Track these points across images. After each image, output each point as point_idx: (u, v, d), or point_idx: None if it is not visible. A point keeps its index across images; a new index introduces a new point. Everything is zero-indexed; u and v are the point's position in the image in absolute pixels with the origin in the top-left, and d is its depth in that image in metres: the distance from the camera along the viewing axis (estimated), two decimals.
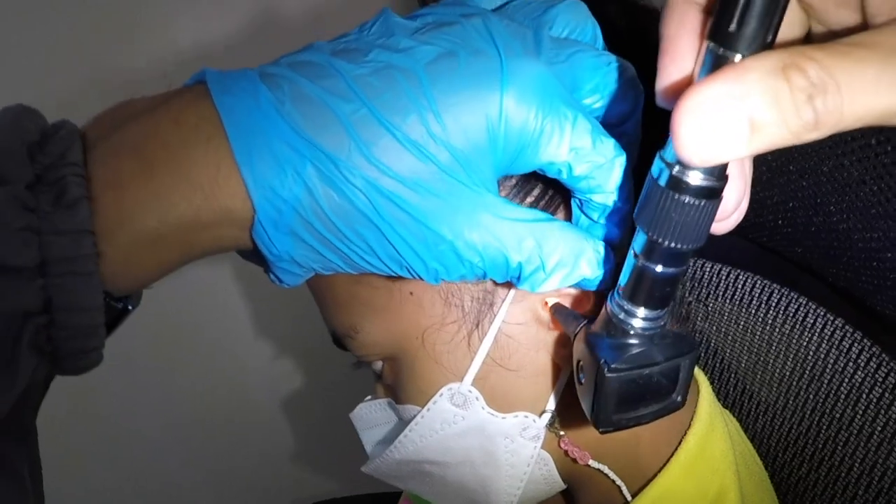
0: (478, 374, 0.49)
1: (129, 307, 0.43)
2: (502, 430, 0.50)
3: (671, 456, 0.53)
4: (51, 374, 0.39)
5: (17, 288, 0.34)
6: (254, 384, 1.57)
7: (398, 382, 0.52)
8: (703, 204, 0.32)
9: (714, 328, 0.72)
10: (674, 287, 0.38)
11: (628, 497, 0.53)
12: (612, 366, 0.38)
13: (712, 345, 0.73)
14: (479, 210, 0.39)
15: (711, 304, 0.71)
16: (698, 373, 0.59)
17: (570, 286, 0.43)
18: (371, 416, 0.59)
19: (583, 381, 0.41)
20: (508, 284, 0.47)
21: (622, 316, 0.39)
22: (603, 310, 0.41)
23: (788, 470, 0.67)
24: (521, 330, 0.49)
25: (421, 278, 0.41)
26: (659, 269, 0.37)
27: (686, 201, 0.32)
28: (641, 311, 0.39)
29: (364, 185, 0.37)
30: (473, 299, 0.48)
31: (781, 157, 0.59)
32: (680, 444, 0.53)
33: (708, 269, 0.71)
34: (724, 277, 0.70)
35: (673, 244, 0.34)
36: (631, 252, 0.38)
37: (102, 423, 1.43)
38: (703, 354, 0.73)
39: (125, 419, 1.45)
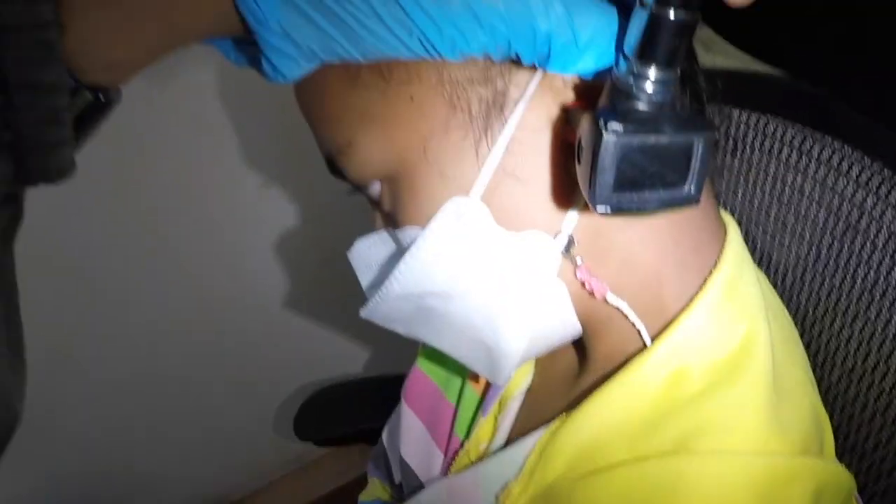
0: (487, 188, 0.44)
1: (103, 99, 0.39)
2: (513, 251, 0.45)
3: (695, 296, 0.47)
4: (16, 183, 0.35)
5: None
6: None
7: (398, 203, 0.47)
8: None
9: (742, 179, 0.66)
10: (687, 40, 0.34)
11: (648, 341, 0.47)
12: (612, 126, 0.34)
13: (740, 196, 0.68)
14: None
15: (740, 155, 0.66)
16: (726, 215, 0.54)
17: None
18: (370, 252, 0.53)
19: (582, 158, 0.37)
20: (528, 73, 0.42)
21: (630, 80, 0.35)
22: (608, 80, 0.37)
23: (819, 327, 0.63)
24: (536, 138, 0.43)
25: (436, 52, 0.36)
26: (672, 14, 0.33)
27: None
28: (651, 72, 0.35)
29: None
30: (482, 101, 0.42)
31: None
32: (704, 284, 0.48)
33: (735, 116, 0.66)
34: (752, 125, 0.64)
35: None
36: (637, 5, 0.34)
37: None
38: (729, 207, 0.67)
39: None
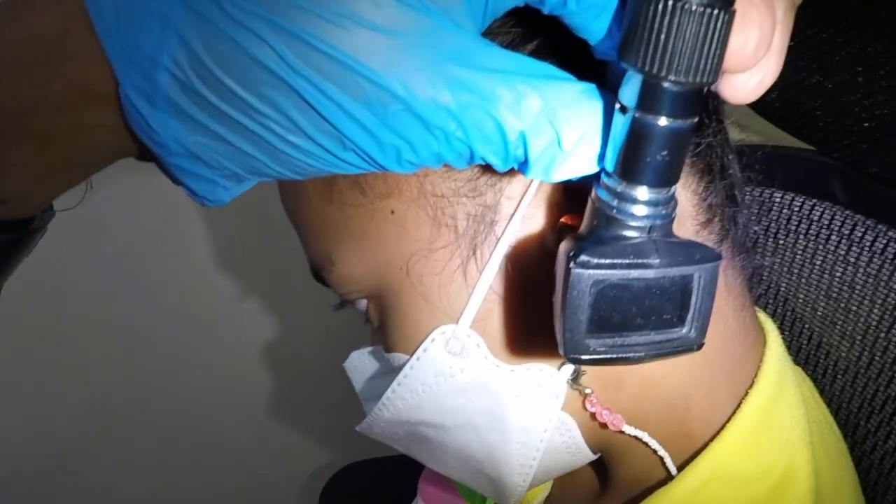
0: (478, 315, 0.38)
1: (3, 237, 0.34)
2: (511, 385, 0.39)
3: (727, 422, 0.41)
4: None
5: None
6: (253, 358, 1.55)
7: (384, 323, 0.42)
8: (711, 12, 0.23)
9: (785, 269, 0.58)
10: (682, 153, 0.27)
11: (673, 471, 0.42)
12: (581, 259, 0.27)
13: (782, 289, 0.60)
14: (444, 52, 0.26)
15: (782, 240, 0.58)
16: (765, 320, 0.47)
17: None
18: (364, 366, 0.49)
19: (555, 296, 0.30)
20: (522, 184, 0.36)
21: (615, 203, 0.28)
22: (588, 202, 0.30)
23: (872, 442, 0.55)
24: (531, 256, 0.37)
25: (378, 166, 0.29)
26: (662, 121, 0.26)
27: (688, 7, 0.23)
28: (642, 191, 0.28)
29: (258, 24, 0.25)
30: (469, 217, 0.37)
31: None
32: (738, 407, 0.42)
33: (778, 199, 0.58)
34: (797, 209, 0.57)
35: (677, 77, 0.24)
36: (618, 108, 0.27)
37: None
38: (771, 301, 0.59)
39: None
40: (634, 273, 0.28)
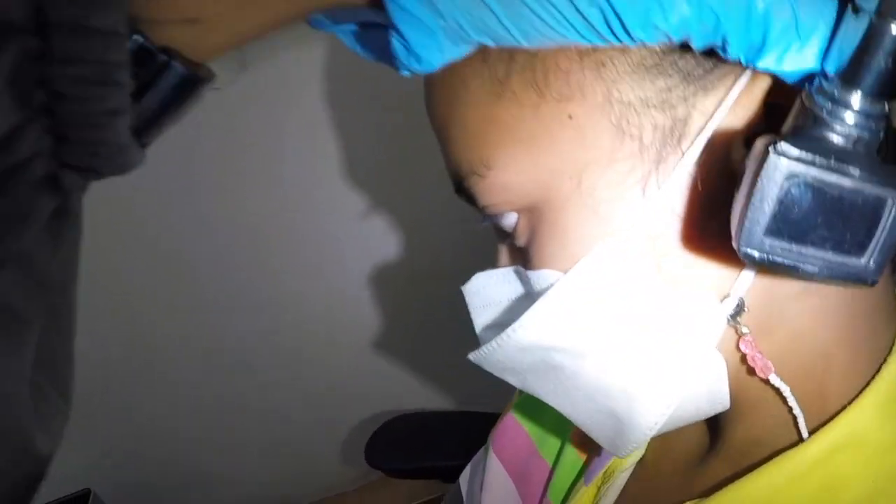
0: (648, 234, 0.36)
1: (175, 64, 0.31)
2: (670, 311, 0.37)
3: (865, 387, 0.39)
4: (56, 162, 0.28)
5: None
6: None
7: (536, 240, 0.39)
8: None
9: None
10: None
11: (804, 433, 0.39)
12: (782, 146, 0.27)
13: None
14: None
15: None
16: None
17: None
18: (490, 290, 0.46)
19: (740, 186, 0.30)
20: (715, 98, 0.34)
21: (827, 106, 0.28)
22: (797, 103, 0.30)
23: None
24: (717, 176, 0.35)
25: (622, 29, 0.29)
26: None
27: None
28: (856, 98, 0.27)
29: None
30: (657, 129, 0.35)
31: None
32: (878, 372, 0.39)
33: None
34: None
35: None
36: (850, 9, 0.27)
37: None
38: None
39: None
40: (831, 178, 0.27)
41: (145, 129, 0.32)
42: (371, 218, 1.44)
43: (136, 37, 0.29)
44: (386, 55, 0.34)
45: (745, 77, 0.33)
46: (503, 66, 0.35)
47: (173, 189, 1.24)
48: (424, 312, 1.46)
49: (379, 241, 1.49)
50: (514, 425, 0.65)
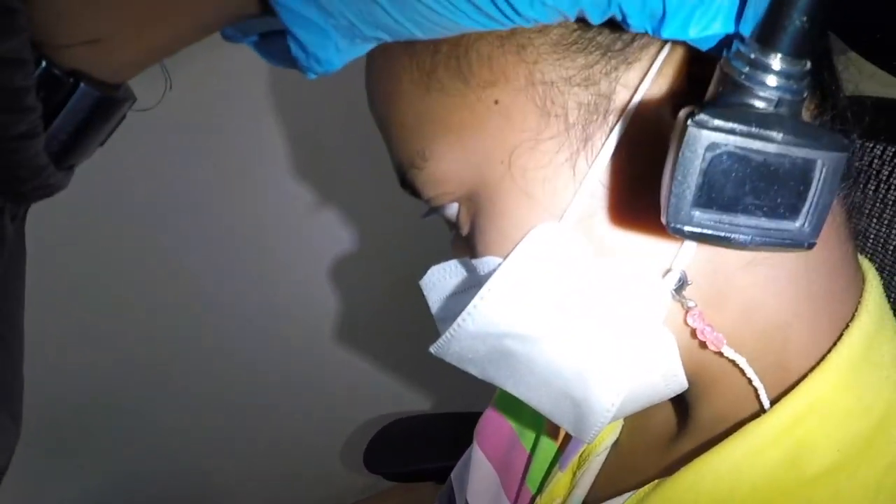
0: (583, 212, 0.36)
1: (83, 86, 0.31)
2: (612, 290, 0.37)
3: (826, 355, 0.39)
4: None
5: None
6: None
7: (476, 227, 0.39)
8: None
9: (875, 221, 0.56)
10: (821, 24, 0.26)
11: (766, 404, 0.39)
12: (700, 117, 0.26)
13: (870, 240, 0.58)
14: None
15: (871, 191, 0.55)
16: (865, 261, 0.44)
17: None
18: (445, 282, 0.46)
19: (666, 164, 0.29)
20: (639, 71, 0.34)
21: (746, 70, 0.27)
22: (716, 71, 0.29)
23: None
24: (643, 153, 0.35)
25: (512, 9, 0.29)
26: None
27: None
28: (776, 60, 0.27)
29: None
30: (581, 107, 0.35)
31: None
32: (839, 340, 0.39)
33: (869, 149, 0.55)
34: (888, 160, 0.54)
35: None
36: None
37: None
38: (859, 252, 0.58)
39: None
40: (755, 144, 0.27)
41: (67, 151, 0.33)
42: (372, 222, 1.45)
43: (43, 63, 0.30)
44: (292, 61, 0.34)
45: (667, 48, 0.33)
46: (429, 59, 0.35)
47: (174, 195, 1.26)
48: (423, 315, 1.45)
49: (376, 245, 1.49)
50: (495, 417, 0.65)
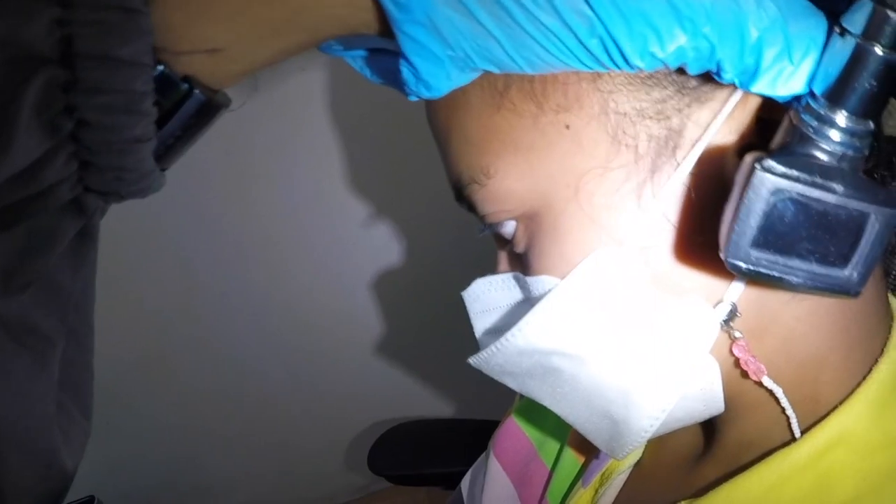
0: (643, 242, 0.37)
1: (196, 92, 0.32)
2: (665, 317, 0.38)
3: (856, 388, 0.40)
4: (81, 186, 0.29)
5: (17, 9, 0.25)
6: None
7: (534, 246, 0.40)
8: None
9: None
10: (889, 88, 0.28)
11: (797, 433, 0.40)
12: (768, 163, 0.28)
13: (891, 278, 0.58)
14: None
15: None
16: (894, 300, 0.46)
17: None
18: (490, 295, 0.46)
19: (728, 200, 0.31)
20: (710, 111, 0.35)
21: (814, 124, 0.29)
22: (784, 121, 0.31)
23: None
24: (711, 186, 0.36)
25: (621, 57, 0.30)
26: (879, 50, 0.27)
27: None
28: (841, 118, 0.29)
29: None
30: (651, 139, 0.36)
31: None
32: (869, 373, 0.40)
33: None
34: None
35: None
36: (836, 33, 0.28)
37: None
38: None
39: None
40: (816, 193, 0.29)
41: (169, 154, 0.34)
42: (375, 225, 1.46)
43: (159, 67, 0.30)
44: (394, 80, 0.35)
45: (740, 91, 0.35)
46: (502, 79, 0.36)
47: (184, 196, 1.27)
48: (428, 319, 1.47)
49: (382, 248, 1.50)
50: (514, 429, 0.66)
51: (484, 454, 0.69)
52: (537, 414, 0.64)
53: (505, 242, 0.44)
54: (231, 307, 1.44)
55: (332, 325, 1.53)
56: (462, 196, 0.41)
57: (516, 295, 0.45)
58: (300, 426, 1.64)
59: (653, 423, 0.40)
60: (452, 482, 0.74)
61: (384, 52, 0.37)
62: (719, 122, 0.35)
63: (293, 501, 1.73)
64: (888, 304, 0.44)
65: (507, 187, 0.38)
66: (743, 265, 0.30)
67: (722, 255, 0.30)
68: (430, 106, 0.41)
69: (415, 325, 1.56)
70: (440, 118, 0.40)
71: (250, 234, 1.37)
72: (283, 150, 1.31)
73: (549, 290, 0.39)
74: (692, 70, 0.32)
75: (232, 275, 1.40)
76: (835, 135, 0.29)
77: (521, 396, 0.58)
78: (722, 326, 0.38)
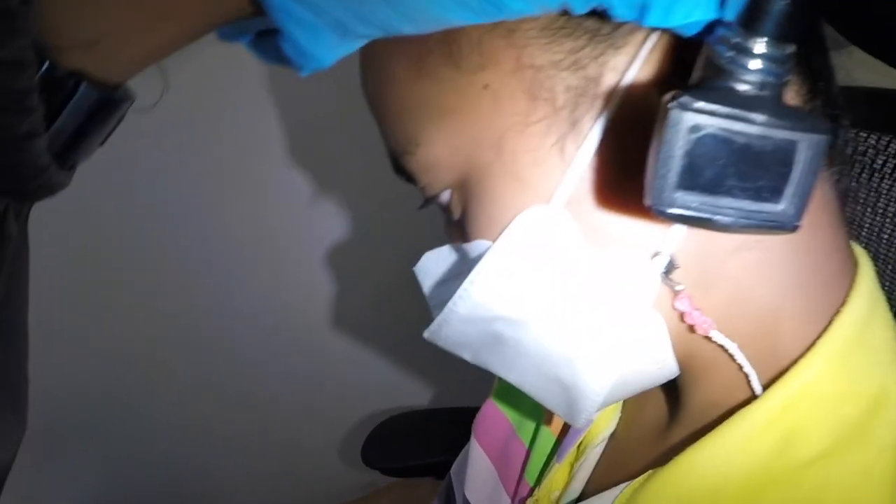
0: (572, 195, 0.36)
1: (83, 87, 0.32)
2: (601, 273, 0.37)
3: (817, 340, 0.38)
4: None
5: None
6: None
7: (467, 212, 0.40)
8: None
9: (868, 209, 0.56)
10: (804, 7, 0.27)
11: (758, 389, 0.39)
12: (683, 99, 0.27)
13: (865, 229, 0.58)
14: None
15: (865, 180, 0.55)
16: (858, 248, 0.44)
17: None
18: (437, 267, 0.46)
19: (651, 147, 0.29)
20: (627, 55, 0.34)
21: (729, 54, 0.28)
22: (700, 55, 0.29)
23: None
24: (632, 136, 0.34)
25: (500, 4, 0.29)
26: None
27: None
28: (759, 44, 0.27)
29: None
30: (569, 91, 0.35)
31: None
32: (830, 325, 0.39)
33: (863, 139, 0.56)
34: (882, 148, 0.54)
35: None
36: None
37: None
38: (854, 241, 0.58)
39: None
40: (736, 126, 0.27)
41: (68, 151, 0.34)
42: (368, 219, 1.45)
43: (45, 63, 0.30)
44: (284, 58, 0.34)
45: (655, 34, 0.33)
46: (420, 45, 0.36)
47: (184, 196, 1.28)
48: (419, 310, 1.45)
49: (374, 241, 1.49)
50: (493, 410, 0.65)
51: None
52: (515, 394, 0.63)
53: (446, 210, 0.43)
54: (219, 305, 1.44)
55: (329, 322, 1.53)
56: (399, 168, 0.41)
57: (460, 263, 0.44)
58: (293, 421, 1.63)
59: (603, 386, 0.39)
60: (446, 472, 0.73)
61: (273, 33, 0.36)
62: (637, 66, 0.34)
63: (294, 501, 1.72)
64: (850, 251, 0.42)
65: (435, 155, 0.38)
66: (669, 210, 0.28)
67: (647, 201, 0.29)
68: (363, 82, 0.41)
69: (408, 316, 1.56)
70: (369, 92, 0.41)
71: (238, 230, 1.37)
72: (280, 150, 1.31)
73: (482, 255, 0.38)
74: (577, 9, 0.30)
75: (218, 274, 1.40)
76: (753, 63, 0.27)
77: (500, 378, 0.57)
78: (662, 279, 0.37)
